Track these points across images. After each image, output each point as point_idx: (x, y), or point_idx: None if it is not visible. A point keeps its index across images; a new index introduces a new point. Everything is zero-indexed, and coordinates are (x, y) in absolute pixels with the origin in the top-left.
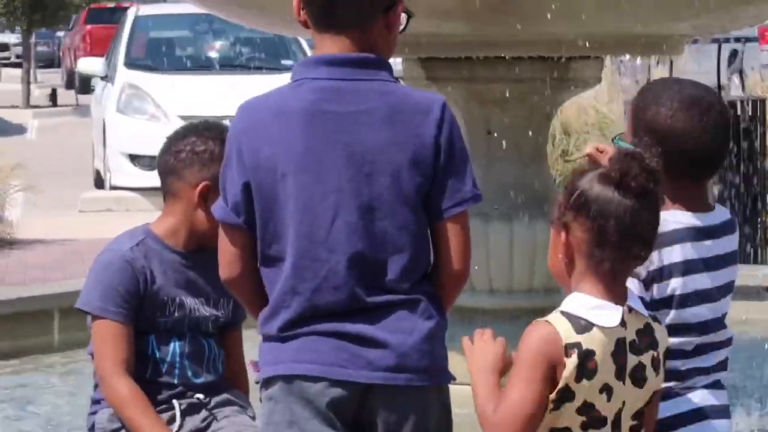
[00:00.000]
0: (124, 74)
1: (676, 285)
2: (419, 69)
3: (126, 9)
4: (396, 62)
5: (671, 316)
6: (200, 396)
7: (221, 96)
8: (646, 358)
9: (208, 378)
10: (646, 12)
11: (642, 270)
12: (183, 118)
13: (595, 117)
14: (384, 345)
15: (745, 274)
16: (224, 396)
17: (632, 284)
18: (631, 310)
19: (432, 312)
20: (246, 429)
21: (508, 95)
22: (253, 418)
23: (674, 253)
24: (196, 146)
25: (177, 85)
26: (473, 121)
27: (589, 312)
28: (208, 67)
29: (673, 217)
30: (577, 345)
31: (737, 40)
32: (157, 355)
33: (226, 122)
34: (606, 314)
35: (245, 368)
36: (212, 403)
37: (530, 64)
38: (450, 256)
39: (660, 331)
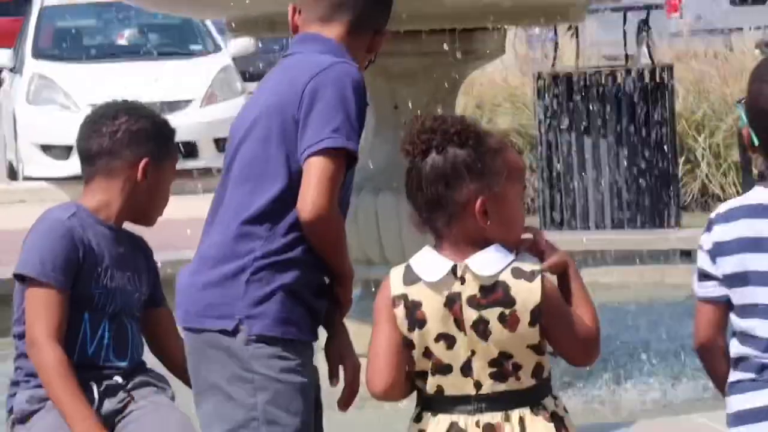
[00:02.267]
0: (32, 65)
1: (735, 261)
2: None
3: (31, 0)
4: None
5: (738, 295)
6: (118, 379)
7: (131, 83)
8: (490, 314)
9: (128, 363)
10: None
11: (707, 241)
12: (93, 106)
13: (506, 91)
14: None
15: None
16: (141, 378)
17: (700, 255)
18: (469, 268)
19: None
20: (164, 408)
21: (413, 69)
22: (172, 398)
23: (736, 229)
24: (131, 125)
25: (86, 74)
26: (380, 96)
27: (421, 265)
28: (117, 55)
29: (754, 193)
30: (404, 296)
31: (644, 7)
32: (88, 335)
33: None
34: (434, 269)
35: (178, 341)
36: (130, 385)
37: (434, 38)
38: (301, 196)
39: (523, 291)
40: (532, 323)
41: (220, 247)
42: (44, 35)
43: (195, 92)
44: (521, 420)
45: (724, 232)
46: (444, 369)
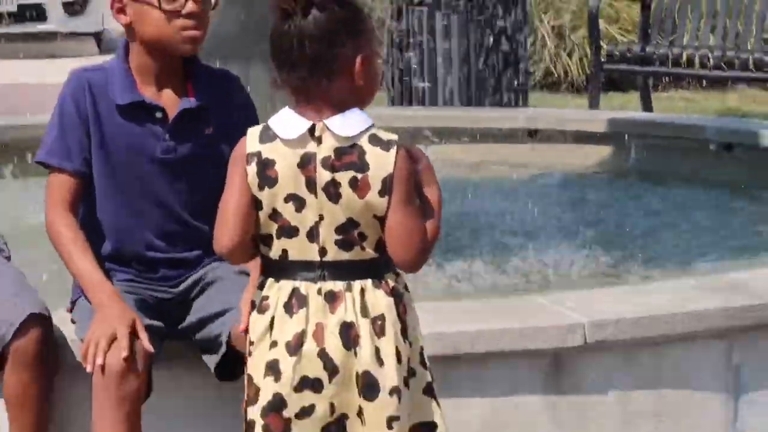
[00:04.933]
0: None
1: None
2: None
3: None
4: None
5: None
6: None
7: None
8: (342, 177)
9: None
10: None
11: None
12: None
13: None
14: None
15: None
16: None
17: None
18: (328, 128)
19: None
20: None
21: None
22: (9, 258)
23: None
24: None
25: None
26: None
27: (278, 124)
28: None
29: None
30: (257, 154)
31: None
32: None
33: None
34: (292, 127)
35: None
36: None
37: None
38: None
39: (377, 158)
40: (381, 193)
41: None
42: None
43: None
44: (362, 291)
45: None
46: (290, 231)
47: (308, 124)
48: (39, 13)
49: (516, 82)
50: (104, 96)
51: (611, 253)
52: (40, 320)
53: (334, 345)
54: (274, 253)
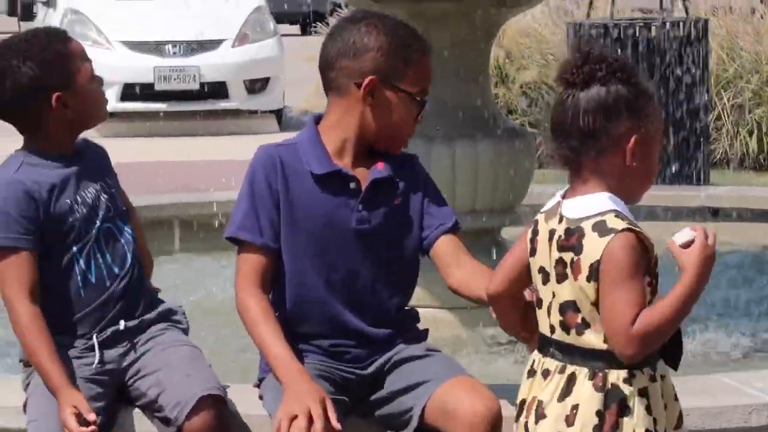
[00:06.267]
0: (66, 0)
1: None
2: None
3: None
4: None
5: None
6: (121, 325)
7: (164, 21)
8: (566, 257)
9: (129, 267)
10: None
11: None
12: (125, 43)
13: (536, 41)
14: None
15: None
16: (147, 317)
17: None
18: (562, 206)
19: None
20: (168, 348)
21: (449, 12)
22: (186, 330)
23: None
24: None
25: (119, 11)
26: None
27: (551, 196)
28: None
29: None
30: (535, 221)
31: None
32: (83, 265)
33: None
34: (551, 200)
35: (148, 253)
36: (134, 328)
37: None
38: None
39: (591, 243)
40: (588, 278)
41: None
42: None
43: (227, 32)
44: (571, 377)
45: None
46: (539, 302)
47: (557, 199)
48: (221, 91)
49: (697, 162)
50: (296, 170)
51: None
52: (213, 401)
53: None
54: (535, 320)
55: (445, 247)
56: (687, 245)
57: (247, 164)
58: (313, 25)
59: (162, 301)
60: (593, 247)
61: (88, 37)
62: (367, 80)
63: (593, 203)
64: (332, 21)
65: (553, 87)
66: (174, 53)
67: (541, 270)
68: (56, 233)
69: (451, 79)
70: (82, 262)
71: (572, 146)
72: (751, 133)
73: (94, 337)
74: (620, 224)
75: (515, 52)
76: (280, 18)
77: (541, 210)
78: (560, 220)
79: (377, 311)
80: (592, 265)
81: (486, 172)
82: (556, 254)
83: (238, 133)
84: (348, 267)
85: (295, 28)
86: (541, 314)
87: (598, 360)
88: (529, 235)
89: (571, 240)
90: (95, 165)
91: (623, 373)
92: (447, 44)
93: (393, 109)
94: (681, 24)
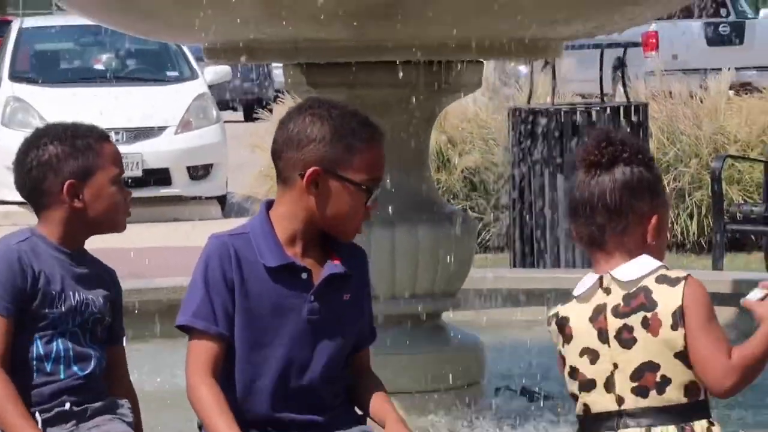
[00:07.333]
0: (8, 87)
1: None
2: (300, 75)
3: (9, 23)
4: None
5: None
6: (67, 406)
7: (107, 108)
8: (633, 321)
9: (91, 371)
10: (525, 15)
11: None
12: None
13: (476, 126)
14: None
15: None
16: (97, 405)
17: None
18: (614, 277)
19: None
20: None
21: (388, 100)
22: (133, 425)
23: None
24: (41, 156)
25: (62, 98)
26: None
27: (576, 284)
28: (93, 79)
29: None
30: (555, 315)
31: (622, 45)
32: (42, 354)
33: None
34: (582, 284)
35: (131, 387)
36: (80, 413)
37: (410, 69)
38: None
39: (665, 295)
40: (674, 327)
41: None
42: (21, 57)
43: (170, 119)
44: None
45: None
46: (588, 385)
47: (595, 277)
48: (164, 178)
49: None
50: (248, 260)
51: None
52: None
53: None
54: (579, 408)
55: (359, 363)
56: (762, 299)
57: (191, 251)
58: (256, 111)
59: (108, 394)
60: (669, 297)
61: (30, 124)
62: (309, 171)
63: (642, 265)
64: (275, 107)
65: (491, 170)
66: (117, 140)
67: (586, 351)
68: (30, 313)
69: (392, 164)
70: (41, 348)
71: (599, 224)
72: (691, 217)
73: (37, 414)
74: (681, 272)
75: (456, 137)
76: (223, 105)
77: (562, 303)
78: (608, 293)
79: (323, 398)
80: (674, 313)
81: (426, 256)
82: (616, 324)
83: (181, 220)
84: (298, 355)
85: (239, 115)
86: (595, 394)
87: (679, 414)
88: (554, 329)
89: (637, 301)
90: (97, 279)
91: (705, 423)
92: (387, 130)
93: (339, 198)
94: (621, 108)
